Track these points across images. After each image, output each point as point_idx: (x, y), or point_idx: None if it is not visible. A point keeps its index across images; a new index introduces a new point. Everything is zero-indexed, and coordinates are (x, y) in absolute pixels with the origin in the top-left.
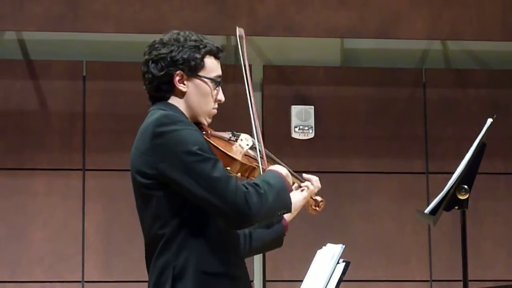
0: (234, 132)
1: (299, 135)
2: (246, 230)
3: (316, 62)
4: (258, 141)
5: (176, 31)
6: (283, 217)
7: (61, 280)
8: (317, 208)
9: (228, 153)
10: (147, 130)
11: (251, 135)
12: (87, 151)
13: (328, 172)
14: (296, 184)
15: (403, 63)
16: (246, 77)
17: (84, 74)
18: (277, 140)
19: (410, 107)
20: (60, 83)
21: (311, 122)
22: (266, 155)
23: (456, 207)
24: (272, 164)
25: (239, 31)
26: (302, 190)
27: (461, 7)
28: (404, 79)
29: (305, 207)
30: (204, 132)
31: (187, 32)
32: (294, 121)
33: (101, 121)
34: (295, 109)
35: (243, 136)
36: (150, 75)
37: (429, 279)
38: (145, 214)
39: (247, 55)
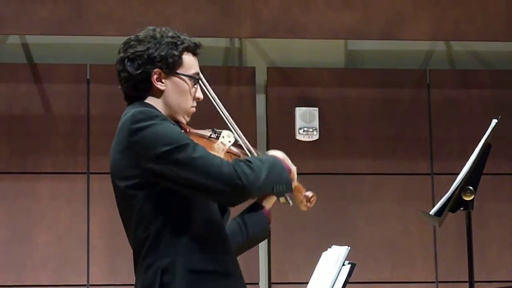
0: (215, 129)
1: (304, 137)
2: (239, 219)
3: (320, 63)
4: (240, 136)
5: (151, 27)
6: (261, 205)
7: (66, 283)
8: (309, 204)
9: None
10: (123, 129)
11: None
12: (92, 155)
13: (333, 174)
14: None
15: (407, 64)
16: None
17: (88, 77)
18: (282, 142)
19: (415, 108)
20: (64, 86)
21: (316, 123)
22: (249, 150)
23: (461, 208)
24: None
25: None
26: None
27: (465, 7)
28: (408, 80)
29: (298, 205)
30: (182, 131)
31: (163, 28)
32: (299, 123)
33: (105, 124)
34: (299, 111)
35: (225, 133)
36: (126, 74)
37: (434, 280)
38: (128, 220)
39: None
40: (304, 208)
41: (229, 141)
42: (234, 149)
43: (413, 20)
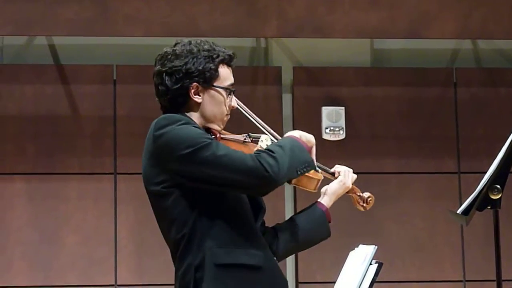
0: (250, 134)
1: (330, 136)
2: (288, 223)
3: (346, 63)
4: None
5: (187, 41)
6: (319, 202)
7: (94, 284)
8: (365, 205)
9: None
10: (149, 136)
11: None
12: (119, 155)
13: (359, 173)
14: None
15: (434, 62)
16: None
17: (115, 78)
18: None
19: (441, 107)
20: (91, 87)
21: (342, 123)
22: None
23: (489, 207)
24: None
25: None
26: (336, 178)
27: (491, 5)
28: (434, 79)
29: (353, 204)
30: (213, 136)
31: (198, 41)
32: (325, 122)
33: (132, 124)
34: (325, 110)
35: (263, 137)
36: (164, 88)
37: (462, 279)
38: (162, 222)
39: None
40: (360, 209)
41: (266, 144)
42: None
43: (439, 18)
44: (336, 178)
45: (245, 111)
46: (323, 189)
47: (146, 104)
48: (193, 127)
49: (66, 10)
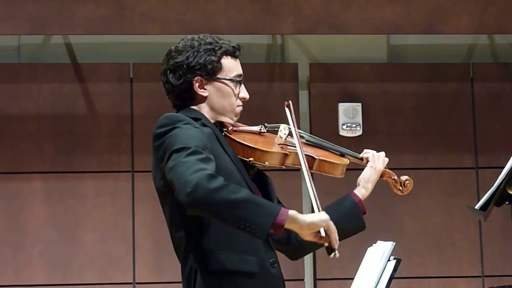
0: (265, 124)
1: (347, 132)
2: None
3: (363, 59)
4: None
5: (191, 37)
6: (352, 192)
7: (112, 282)
8: (403, 188)
9: (248, 144)
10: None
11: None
12: (136, 153)
13: None
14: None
15: (450, 58)
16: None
17: (131, 76)
18: (325, 138)
19: (458, 102)
20: (108, 85)
21: (359, 119)
22: (308, 140)
23: (507, 202)
24: (309, 148)
25: (287, 104)
26: (365, 163)
27: (507, 0)
28: (451, 74)
29: (391, 188)
30: (225, 129)
31: (201, 36)
32: (342, 118)
33: (149, 122)
34: (342, 107)
35: (282, 126)
36: (170, 85)
37: (481, 274)
38: (165, 217)
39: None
40: (398, 193)
41: (285, 134)
42: (291, 141)
43: (455, 13)
44: (365, 163)
45: (294, 126)
46: (358, 180)
47: (163, 102)
48: (193, 128)
49: (82, 9)
